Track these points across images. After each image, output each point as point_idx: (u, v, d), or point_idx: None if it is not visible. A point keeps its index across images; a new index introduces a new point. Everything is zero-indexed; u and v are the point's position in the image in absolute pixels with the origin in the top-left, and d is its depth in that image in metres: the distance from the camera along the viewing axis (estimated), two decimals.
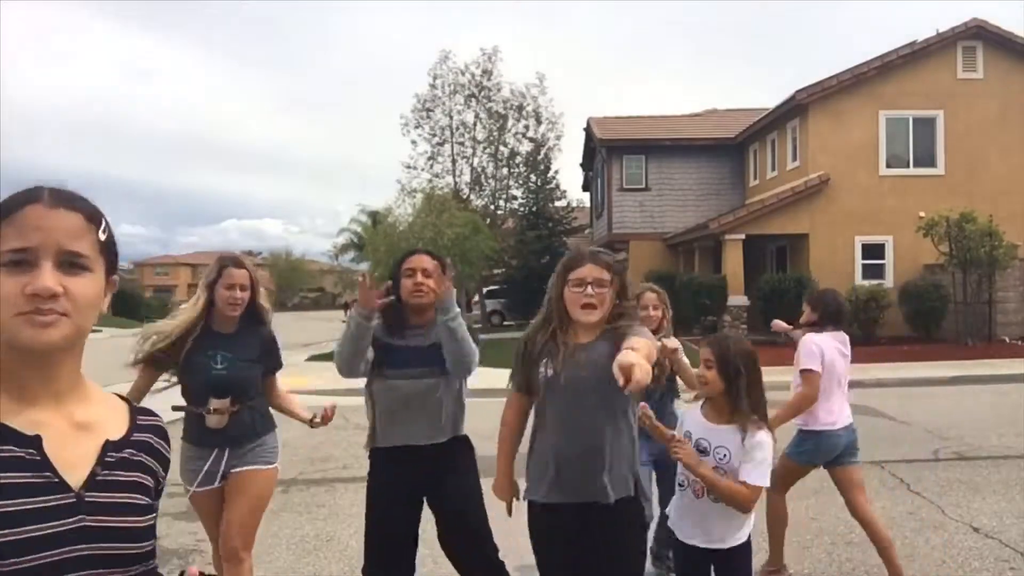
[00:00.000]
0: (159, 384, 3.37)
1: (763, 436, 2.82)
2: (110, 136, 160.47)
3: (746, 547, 3.04)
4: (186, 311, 3.32)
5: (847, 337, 4.64)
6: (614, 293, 2.59)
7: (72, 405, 1.18)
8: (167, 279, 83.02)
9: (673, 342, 3.78)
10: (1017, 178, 19.46)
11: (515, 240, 32.49)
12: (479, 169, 34.24)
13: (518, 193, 34.72)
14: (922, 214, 17.60)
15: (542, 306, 2.77)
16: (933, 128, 19.95)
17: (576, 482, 2.58)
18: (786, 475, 4.45)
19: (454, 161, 33.99)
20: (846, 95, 19.92)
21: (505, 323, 32.20)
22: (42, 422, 1.13)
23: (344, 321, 3.06)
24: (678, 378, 4.04)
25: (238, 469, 3.38)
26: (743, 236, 19.82)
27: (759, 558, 4.86)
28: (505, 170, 34.20)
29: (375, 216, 41.15)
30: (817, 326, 4.44)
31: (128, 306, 46.05)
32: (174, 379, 3.38)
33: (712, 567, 3.00)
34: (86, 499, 1.12)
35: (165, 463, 1.32)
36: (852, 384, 13.94)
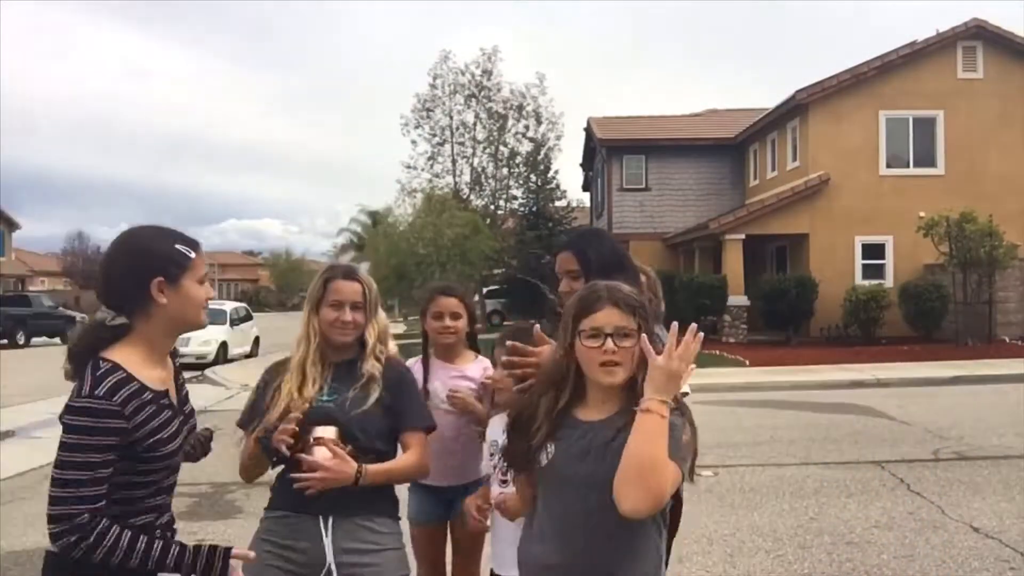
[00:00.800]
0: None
1: None
2: (109, 135, 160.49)
3: None
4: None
5: None
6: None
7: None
8: None
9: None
10: (1017, 178, 19.45)
11: (515, 240, 32.48)
12: (479, 169, 34.23)
13: (518, 193, 34.71)
14: (922, 214, 17.59)
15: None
16: (933, 128, 19.94)
17: None
18: None
19: (454, 161, 33.98)
20: (846, 95, 19.91)
21: (505, 323, 32.23)
22: (164, 378, 1.96)
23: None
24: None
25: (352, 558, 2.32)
26: (743, 236, 19.81)
27: (759, 558, 4.87)
28: (505, 170, 34.19)
29: (375, 216, 41.19)
30: None
31: None
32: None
33: None
34: (183, 409, 2.02)
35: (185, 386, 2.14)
36: (853, 384, 14.00)
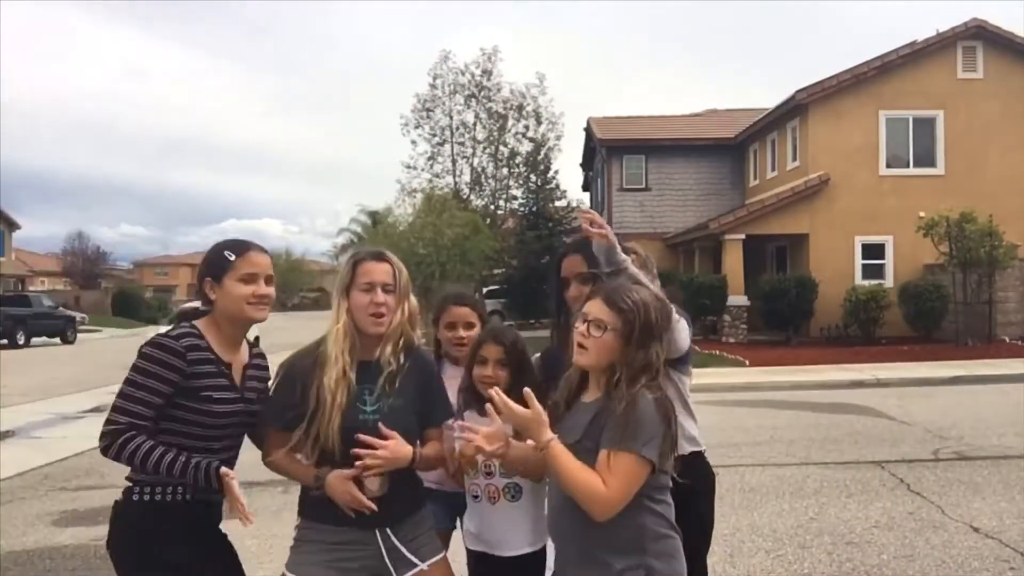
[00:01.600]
0: None
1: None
2: (109, 136, 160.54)
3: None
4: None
5: None
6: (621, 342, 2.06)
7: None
8: (167, 279, 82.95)
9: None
10: (1017, 178, 19.45)
11: (515, 240, 32.50)
12: (479, 169, 34.27)
13: (518, 193, 34.76)
14: (922, 214, 17.59)
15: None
16: (933, 128, 19.94)
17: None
18: None
19: (454, 161, 34.01)
20: (846, 95, 19.91)
21: (505, 323, 32.20)
22: (231, 357, 2.34)
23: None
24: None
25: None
26: (743, 236, 19.81)
27: (759, 558, 4.87)
28: (505, 170, 34.23)
29: (375, 216, 41.16)
30: None
31: (128, 306, 45.98)
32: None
33: None
34: (244, 395, 2.34)
35: (266, 372, 2.50)
36: (853, 384, 13.98)
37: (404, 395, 2.36)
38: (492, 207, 34.32)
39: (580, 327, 2.09)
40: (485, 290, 34.12)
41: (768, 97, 61.71)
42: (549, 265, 2.91)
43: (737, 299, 19.55)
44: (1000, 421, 9.14)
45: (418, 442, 2.37)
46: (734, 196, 24.95)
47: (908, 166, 20.04)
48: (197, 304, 2.38)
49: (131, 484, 2.24)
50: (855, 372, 13.65)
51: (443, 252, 26.16)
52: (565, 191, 35.35)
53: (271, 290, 2.37)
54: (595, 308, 2.09)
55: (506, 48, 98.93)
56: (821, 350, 16.73)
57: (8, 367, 18.41)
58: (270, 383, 2.45)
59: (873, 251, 19.73)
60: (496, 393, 2.09)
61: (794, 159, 21.14)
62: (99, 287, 56.82)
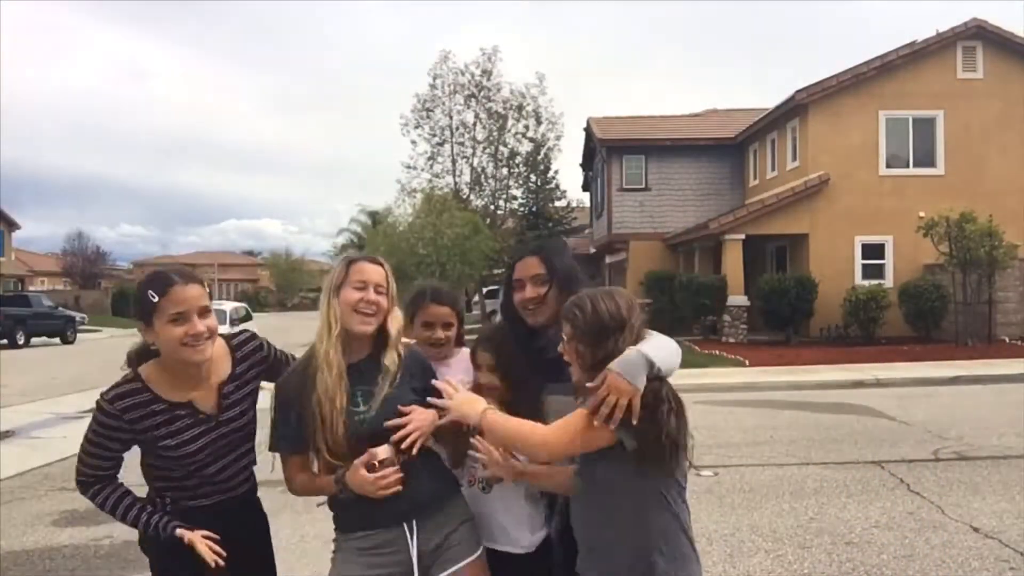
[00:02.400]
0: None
1: None
2: (109, 136, 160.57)
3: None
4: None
5: None
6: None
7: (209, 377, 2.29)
8: None
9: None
10: (1017, 178, 19.44)
11: (515, 240, 32.49)
12: (479, 169, 34.26)
13: (518, 193, 34.76)
14: (922, 214, 17.59)
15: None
16: (933, 128, 19.94)
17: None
18: None
19: (454, 161, 34.01)
20: (846, 95, 19.91)
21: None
22: (187, 392, 2.25)
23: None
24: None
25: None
26: (743, 236, 19.81)
27: (759, 558, 4.87)
28: (505, 170, 34.23)
29: (375, 216, 41.22)
30: None
31: (128, 306, 46.00)
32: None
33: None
34: (220, 419, 2.29)
35: (260, 352, 2.47)
36: (853, 384, 13.97)
37: (404, 393, 2.33)
38: (492, 207, 34.32)
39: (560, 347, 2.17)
40: (485, 290, 34.13)
41: (768, 97, 61.73)
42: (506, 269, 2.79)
43: (737, 299, 19.55)
44: (1000, 421, 9.13)
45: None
46: (734, 196, 24.94)
47: (908, 166, 20.04)
48: (145, 341, 2.27)
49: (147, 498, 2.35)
50: (855, 372, 13.65)
51: (443, 252, 26.16)
52: (565, 191, 35.38)
53: (208, 324, 2.19)
54: (566, 326, 2.14)
55: (506, 48, 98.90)
56: (821, 350, 16.72)
57: (8, 367, 18.41)
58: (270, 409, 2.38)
59: (873, 251, 19.72)
60: (440, 385, 2.22)
61: (794, 159, 21.14)
62: (99, 287, 56.87)
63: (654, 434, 1.98)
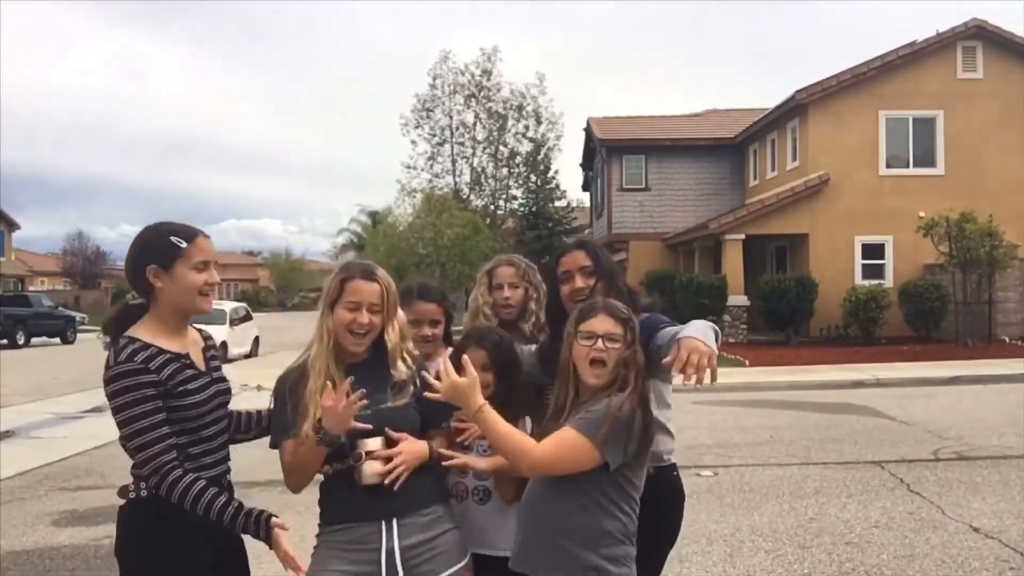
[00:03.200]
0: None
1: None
2: (109, 136, 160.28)
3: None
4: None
5: None
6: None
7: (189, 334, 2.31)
8: None
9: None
10: (1017, 178, 19.44)
11: (515, 240, 32.50)
12: (479, 169, 34.29)
13: (518, 193, 34.78)
14: (922, 214, 17.60)
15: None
16: (933, 128, 19.94)
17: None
18: None
19: (454, 161, 34.04)
20: (846, 95, 19.91)
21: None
22: (184, 345, 2.24)
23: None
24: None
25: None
26: (743, 236, 19.81)
27: (759, 558, 4.87)
28: (505, 170, 34.26)
29: (375, 216, 41.23)
30: None
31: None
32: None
33: None
34: (212, 375, 2.29)
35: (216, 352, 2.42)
36: (853, 384, 13.95)
37: (403, 398, 2.36)
38: (492, 207, 34.34)
39: (592, 344, 2.18)
40: None
41: (768, 97, 61.71)
42: (547, 265, 2.85)
43: (737, 299, 19.55)
44: (1000, 421, 9.14)
45: (431, 443, 2.36)
46: (734, 196, 24.95)
47: (908, 166, 20.04)
48: (142, 300, 2.23)
49: (129, 483, 2.19)
50: (855, 372, 13.65)
51: (443, 252, 26.17)
52: (565, 191, 35.39)
53: (218, 278, 2.32)
54: (605, 323, 2.20)
55: (506, 48, 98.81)
56: (821, 350, 16.73)
57: (8, 367, 18.41)
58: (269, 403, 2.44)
59: (873, 251, 19.73)
60: (439, 368, 2.21)
61: (794, 159, 21.14)
62: (99, 287, 56.89)
63: (641, 455, 2.15)
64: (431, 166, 34.06)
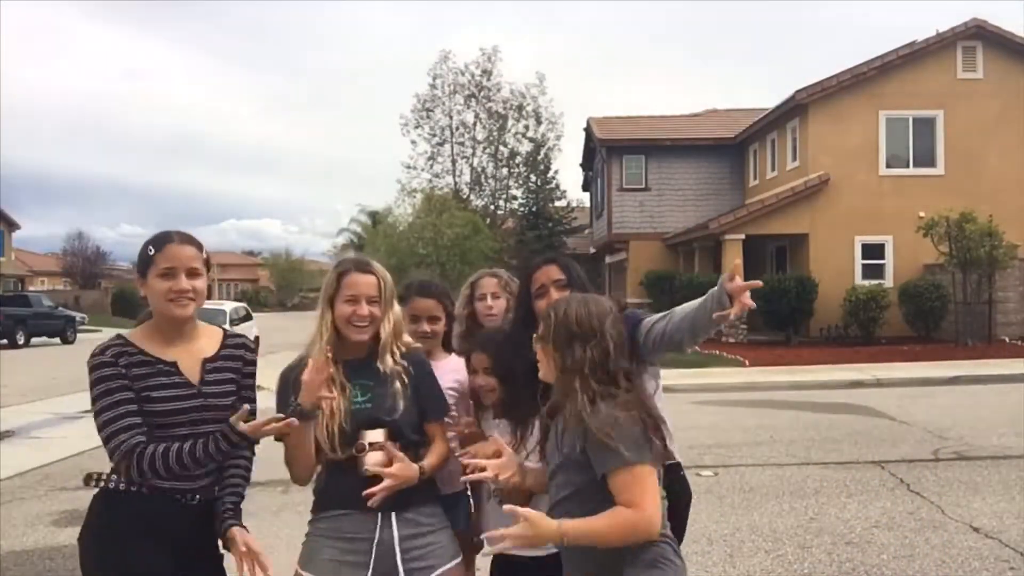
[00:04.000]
0: None
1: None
2: (109, 135, 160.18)
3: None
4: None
5: None
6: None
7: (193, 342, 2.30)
8: None
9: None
10: (1017, 178, 19.44)
11: (515, 240, 32.52)
12: (479, 169, 34.31)
13: (518, 193, 34.80)
14: (922, 214, 17.59)
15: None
16: (933, 128, 19.93)
17: None
18: None
19: (454, 161, 34.05)
20: (846, 95, 19.91)
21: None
22: (177, 354, 2.24)
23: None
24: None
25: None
26: (743, 236, 19.80)
27: (759, 558, 4.87)
28: (505, 170, 34.28)
29: (375, 216, 41.22)
30: None
31: (128, 306, 45.94)
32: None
33: None
34: (202, 389, 2.25)
35: (251, 354, 2.43)
36: (852, 384, 13.95)
37: (397, 389, 2.40)
38: (492, 207, 34.36)
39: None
40: None
41: (768, 97, 61.70)
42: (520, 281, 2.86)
43: None
44: (1000, 421, 9.14)
45: (422, 465, 2.36)
46: (734, 196, 24.95)
47: (908, 166, 20.03)
48: (140, 319, 2.36)
49: (95, 473, 2.22)
50: (855, 372, 13.65)
51: (443, 252, 26.22)
52: (565, 191, 35.39)
53: (195, 284, 2.24)
54: (541, 326, 2.17)
55: (506, 48, 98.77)
56: (821, 350, 16.73)
57: (8, 367, 18.41)
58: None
59: (873, 251, 19.72)
60: (513, 512, 1.99)
61: (794, 159, 21.14)
62: (99, 287, 56.85)
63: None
64: (431, 166, 34.12)
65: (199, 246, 2.30)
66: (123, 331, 2.31)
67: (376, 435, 2.30)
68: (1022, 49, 19.80)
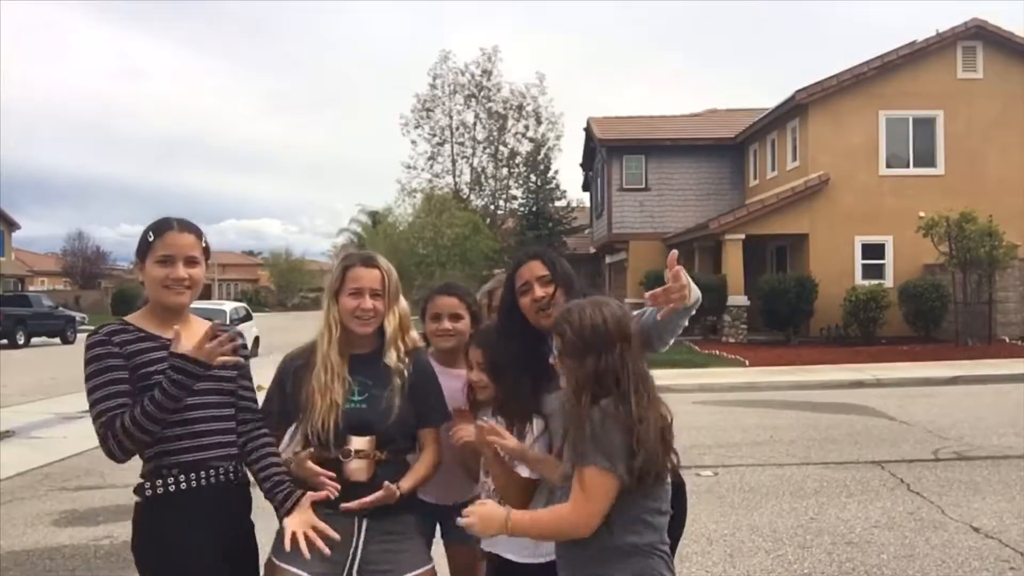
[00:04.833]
0: None
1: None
2: (109, 135, 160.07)
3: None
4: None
5: None
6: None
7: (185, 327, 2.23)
8: None
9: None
10: (1017, 178, 19.44)
11: (515, 240, 32.51)
12: (479, 169, 34.32)
13: (518, 193, 34.80)
14: (922, 214, 17.58)
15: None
16: (933, 128, 19.93)
17: None
18: None
19: (454, 161, 34.06)
20: (846, 95, 19.90)
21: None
22: (175, 334, 2.13)
23: None
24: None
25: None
26: (743, 236, 19.81)
27: (759, 558, 4.87)
28: (505, 170, 34.27)
29: (375, 216, 41.21)
30: None
31: (127, 306, 45.95)
32: None
33: None
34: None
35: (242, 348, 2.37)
36: (853, 384, 13.95)
37: (395, 390, 2.40)
38: (492, 207, 34.36)
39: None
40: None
41: (768, 97, 61.67)
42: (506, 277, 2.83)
43: (737, 299, 19.55)
44: (1000, 421, 9.14)
45: (400, 485, 2.34)
46: (734, 196, 24.95)
47: (908, 166, 20.03)
48: (140, 303, 2.39)
49: (141, 480, 2.21)
50: (855, 372, 13.65)
51: (443, 252, 26.22)
52: (565, 191, 35.37)
53: (192, 272, 2.24)
54: (556, 339, 2.10)
55: (506, 48, 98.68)
56: (821, 350, 16.73)
57: (8, 367, 18.41)
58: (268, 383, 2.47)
59: (873, 251, 19.72)
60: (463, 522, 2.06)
61: (794, 159, 21.14)
62: (99, 287, 56.87)
63: (652, 471, 1.98)
64: (431, 166, 34.13)
65: (199, 233, 2.30)
66: (126, 317, 2.32)
67: (362, 443, 2.32)
68: (1022, 49, 19.80)
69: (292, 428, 2.46)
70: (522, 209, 34.50)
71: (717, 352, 16.93)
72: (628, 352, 2.03)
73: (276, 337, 21.59)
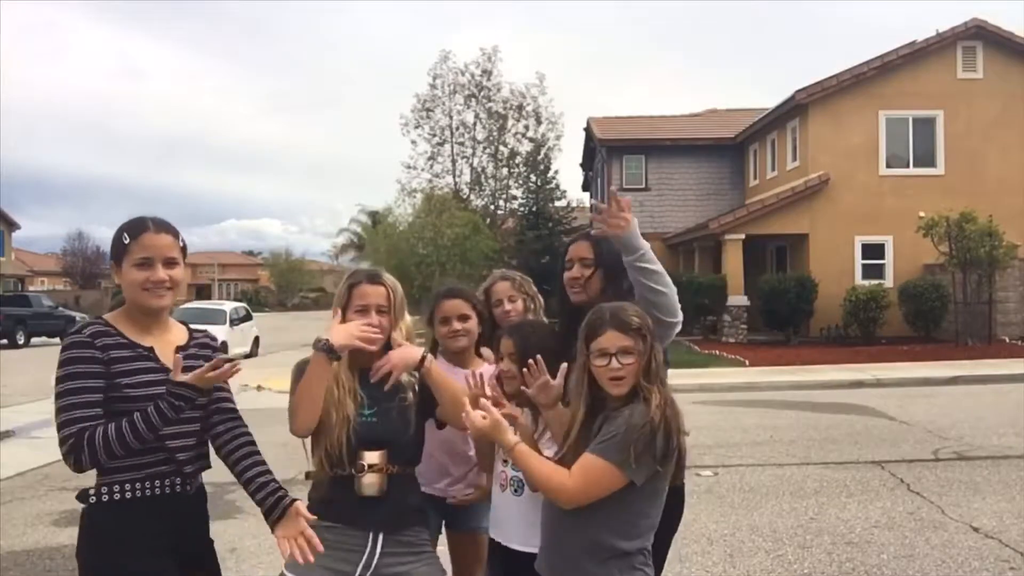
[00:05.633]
0: None
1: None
2: (109, 135, 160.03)
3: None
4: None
5: None
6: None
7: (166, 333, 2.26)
8: None
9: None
10: (1017, 178, 19.44)
11: (515, 240, 32.48)
12: (479, 169, 34.27)
13: (518, 193, 34.71)
14: (922, 214, 17.58)
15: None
16: (933, 128, 19.94)
17: None
18: None
19: (454, 161, 34.02)
20: (846, 95, 19.90)
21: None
22: (153, 341, 2.20)
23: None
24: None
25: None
26: (743, 236, 19.81)
27: (759, 558, 4.87)
28: (505, 170, 34.22)
29: (375, 216, 41.18)
30: None
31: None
32: None
33: None
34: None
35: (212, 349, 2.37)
36: (853, 384, 13.97)
37: (405, 403, 2.44)
38: (492, 207, 34.32)
39: (607, 363, 2.12)
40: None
41: (768, 97, 61.67)
42: (553, 262, 3.02)
43: (737, 299, 19.56)
44: (1000, 421, 9.14)
45: (430, 356, 2.46)
46: (734, 196, 24.95)
47: (908, 166, 20.04)
48: (112, 305, 2.38)
49: (94, 486, 2.17)
50: (855, 372, 13.65)
51: (443, 252, 26.18)
52: (565, 191, 35.27)
53: (172, 274, 2.19)
54: (616, 340, 2.13)
55: (506, 48, 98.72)
56: (821, 350, 16.73)
57: (8, 367, 18.40)
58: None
59: (873, 251, 19.72)
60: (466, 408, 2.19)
61: (794, 159, 21.14)
62: (99, 287, 56.81)
63: (663, 473, 2.09)
64: (431, 166, 34.05)
65: (175, 233, 2.25)
66: (103, 316, 2.25)
67: (375, 456, 2.34)
68: (1022, 49, 19.81)
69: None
70: (522, 209, 34.44)
71: (717, 352, 16.93)
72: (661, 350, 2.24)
73: (276, 337, 21.71)
